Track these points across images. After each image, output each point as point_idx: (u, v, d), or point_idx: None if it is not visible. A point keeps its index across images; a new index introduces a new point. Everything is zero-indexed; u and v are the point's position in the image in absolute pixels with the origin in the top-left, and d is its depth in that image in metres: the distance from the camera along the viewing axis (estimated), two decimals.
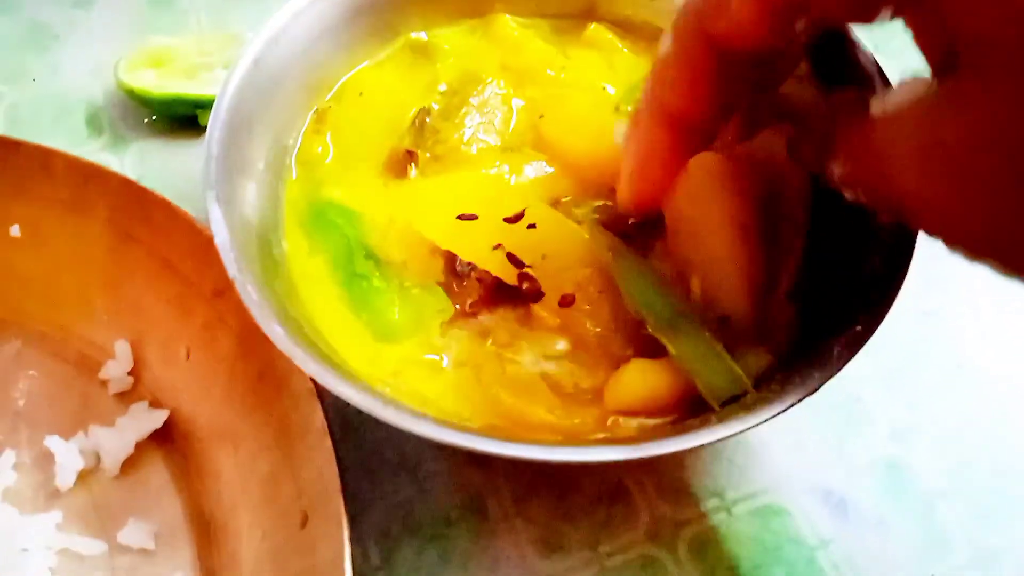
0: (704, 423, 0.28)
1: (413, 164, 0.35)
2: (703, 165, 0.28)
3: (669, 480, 0.35)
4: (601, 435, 0.30)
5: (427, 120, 0.36)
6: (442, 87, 0.37)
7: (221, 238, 0.29)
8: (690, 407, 0.30)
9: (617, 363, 0.30)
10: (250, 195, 0.31)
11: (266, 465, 0.31)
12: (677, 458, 0.36)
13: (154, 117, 0.43)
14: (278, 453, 0.31)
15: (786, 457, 0.36)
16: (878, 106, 0.24)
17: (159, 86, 0.41)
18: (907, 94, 0.23)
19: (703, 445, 0.27)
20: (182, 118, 0.42)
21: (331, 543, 0.28)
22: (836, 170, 0.25)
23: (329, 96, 0.36)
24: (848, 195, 0.25)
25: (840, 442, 0.36)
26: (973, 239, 0.23)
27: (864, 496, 0.35)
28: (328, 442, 0.29)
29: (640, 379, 0.30)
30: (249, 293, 0.28)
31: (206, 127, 0.42)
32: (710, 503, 0.35)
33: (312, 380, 0.30)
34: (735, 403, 0.28)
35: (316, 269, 0.33)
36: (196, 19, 0.46)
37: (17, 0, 0.46)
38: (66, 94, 0.44)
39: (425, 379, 0.31)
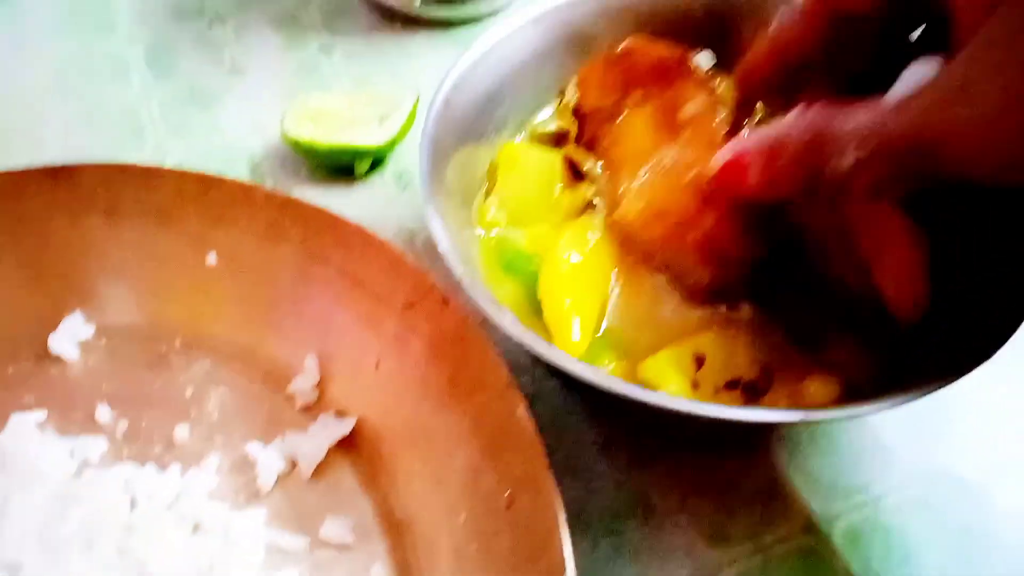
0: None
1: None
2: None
3: (817, 478, 0.38)
4: None
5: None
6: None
7: (444, 245, 0.32)
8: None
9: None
10: (450, 214, 0.35)
11: (463, 458, 0.34)
12: (822, 458, 0.38)
13: (310, 169, 0.47)
14: (475, 446, 0.34)
15: (923, 455, 0.39)
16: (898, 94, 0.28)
17: (321, 137, 0.45)
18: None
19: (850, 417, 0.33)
20: (336, 168, 0.47)
21: (543, 518, 0.31)
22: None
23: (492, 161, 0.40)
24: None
25: (972, 441, 0.39)
26: None
27: (1001, 489, 0.38)
28: (531, 427, 0.32)
29: (821, 391, 0.34)
30: (477, 290, 0.31)
31: (359, 176, 0.47)
32: (857, 498, 0.37)
33: (510, 372, 0.34)
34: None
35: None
36: (338, 81, 0.51)
37: (179, 67, 0.51)
38: (229, 148, 0.48)
39: None
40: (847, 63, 0.34)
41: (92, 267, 0.40)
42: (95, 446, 0.37)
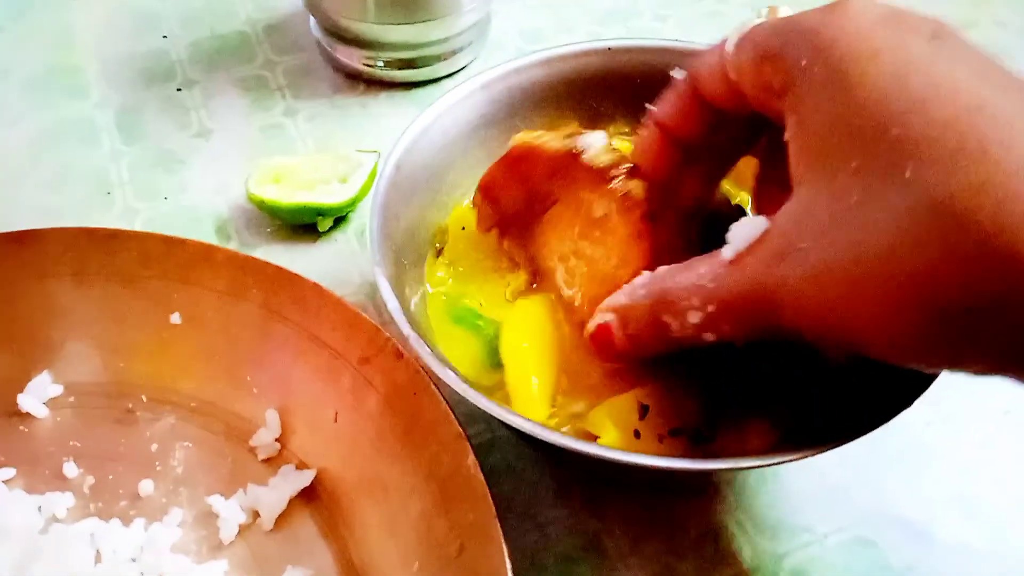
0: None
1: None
2: None
3: (764, 519, 0.39)
4: None
5: None
6: None
7: (392, 304, 0.34)
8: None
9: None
10: (402, 272, 0.37)
11: (417, 507, 0.35)
12: (768, 499, 0.40)
13: (274, 227, 0.49)
14: (427, 495, 0.35)
15: (866, 494, 0.40)
16: (730, 250, 0.29)
17: (285, 196, 0.47)
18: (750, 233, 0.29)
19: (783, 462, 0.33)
20: (301, 226, 0.48)
21: (490, 566, 0.32)
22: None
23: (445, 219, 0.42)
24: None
25: (913, 479, 0.40)
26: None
27: (942, 525, 0.39)
28: (480, 476, 0.34)
29: (761, 438, 0.35)
30: (423, 347, 0.33)
31: (323, 232, 0.48)
32: (803, 537, 0.39)
33: (462, 420, 0.35)
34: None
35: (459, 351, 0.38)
36: (303, 143, 0.53)
37: (146, 132, 0.53)
38: (195, 208, 0.49)
39: None
40: (732, 145, 0.35)
41: (59, 328, 0.41)
42: (62, 502, 0.37)
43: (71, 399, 0.41)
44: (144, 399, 0.41)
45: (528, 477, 0.40)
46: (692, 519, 0.39)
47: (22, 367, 0.41)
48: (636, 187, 0.35)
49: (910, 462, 0.41)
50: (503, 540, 0.32)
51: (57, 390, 0.41)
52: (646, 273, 0.32)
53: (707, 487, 0.40)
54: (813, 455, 0.31)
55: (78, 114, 0.54)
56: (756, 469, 0.40)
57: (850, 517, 0.39)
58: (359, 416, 0.38)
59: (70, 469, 0.39)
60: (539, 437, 0.31)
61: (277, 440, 0.39)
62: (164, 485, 0.39)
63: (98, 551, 0.36)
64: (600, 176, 0.35)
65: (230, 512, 0.37)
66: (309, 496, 0.38)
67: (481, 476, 0.34)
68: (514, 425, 0.32)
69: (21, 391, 0.40)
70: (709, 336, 0.30)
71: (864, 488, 0.40)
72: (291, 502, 0.38)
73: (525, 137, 0.37)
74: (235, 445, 0.40)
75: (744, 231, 0.29)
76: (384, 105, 0.55)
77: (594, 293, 0.35)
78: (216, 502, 0.38)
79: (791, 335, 0.28)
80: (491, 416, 0.40)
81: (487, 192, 0.38)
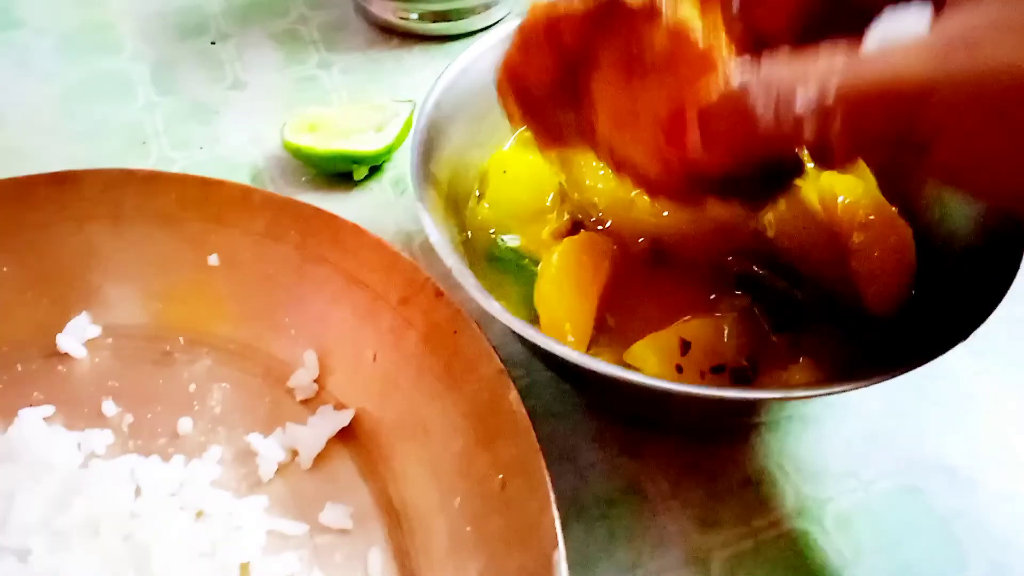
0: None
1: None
2: None
3: (807, 465, 0.39)
4: None
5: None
6: None
7: (435, 237, 0.33)
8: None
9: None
10: (442, 214, 0.36)
11: (458, 444, 0.35)
12: (812, 445, 0.39)
13: (309, 176, 0.48)
14: (469, 432, 0.35)
15: (911, 442, 0.39)
16: (875, 40, 0.24)
17: (320, 144, 0.47)
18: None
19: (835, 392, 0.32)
20: (336, 174, 0.48)
21: (534, 498, 0.32)
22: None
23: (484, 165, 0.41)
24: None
25: (959, 428, 0.40)
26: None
27: (987, 474, 0.38)
28: (522, 410, 0.33)
29: (803, 380, 0.35)
30: (467, 278, 0.32)
31: (358, 181, 0.48)
32: (847, 483, 0.38)
33: (502, 361, 0.35)
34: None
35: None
36: (337, 95, 0.53)
37: (180, 83, 0.53)
38: (230, 158, 0.49)
39: None
40: None
41: (98, 270, 0.41)
42: (101, 438, 0.38)
43: (109, 340, 0.41)
44: (182, 341, 0.41)
45: (567, 421, 0.39)
46: (733, 464, 0.38)
47: (61, 309, 0.41)
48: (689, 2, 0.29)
49: (956, 411, 0.40)
50: (547, 475, 0.32)
51: (95, 331, 0.41)
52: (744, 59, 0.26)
53: (748, 431, 0.39)
54: (865, 386, 0.31)
55: (113, 67, 0.54)
56: (801, 408, 0.39)
57: (895, 464, 0.39)
58: (398, 356, 0.38)
59: (109, 407, 0.39)
60: (583, 366, 0.31)
61: (315, 381, 0.39)
62: (202, 424, 0.39)
63: (138, 486, 0.36)
64: (648, 11, 0.29)
65: (269, 450, 0.37)
66: (347, 436, 0.38)
67: (524, 411, 0.33)
68: (558, 354, 0.31)
69: (60, 332, 0.40)
70: (808, 132, 0.24)
71: (909, 436, 0.39)
72: (330, 442, 0.38)
73: (535, 12, 0.31)
74: (273, 386, 0.40)
75: (903, 22, 0.24)
76: (418, 58, 0.54)
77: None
78: (255, 440, 0.37)
79: (907, 144, 0.24)
80: (530, 360, 0.40)
81: (513, 79, 0.33)
